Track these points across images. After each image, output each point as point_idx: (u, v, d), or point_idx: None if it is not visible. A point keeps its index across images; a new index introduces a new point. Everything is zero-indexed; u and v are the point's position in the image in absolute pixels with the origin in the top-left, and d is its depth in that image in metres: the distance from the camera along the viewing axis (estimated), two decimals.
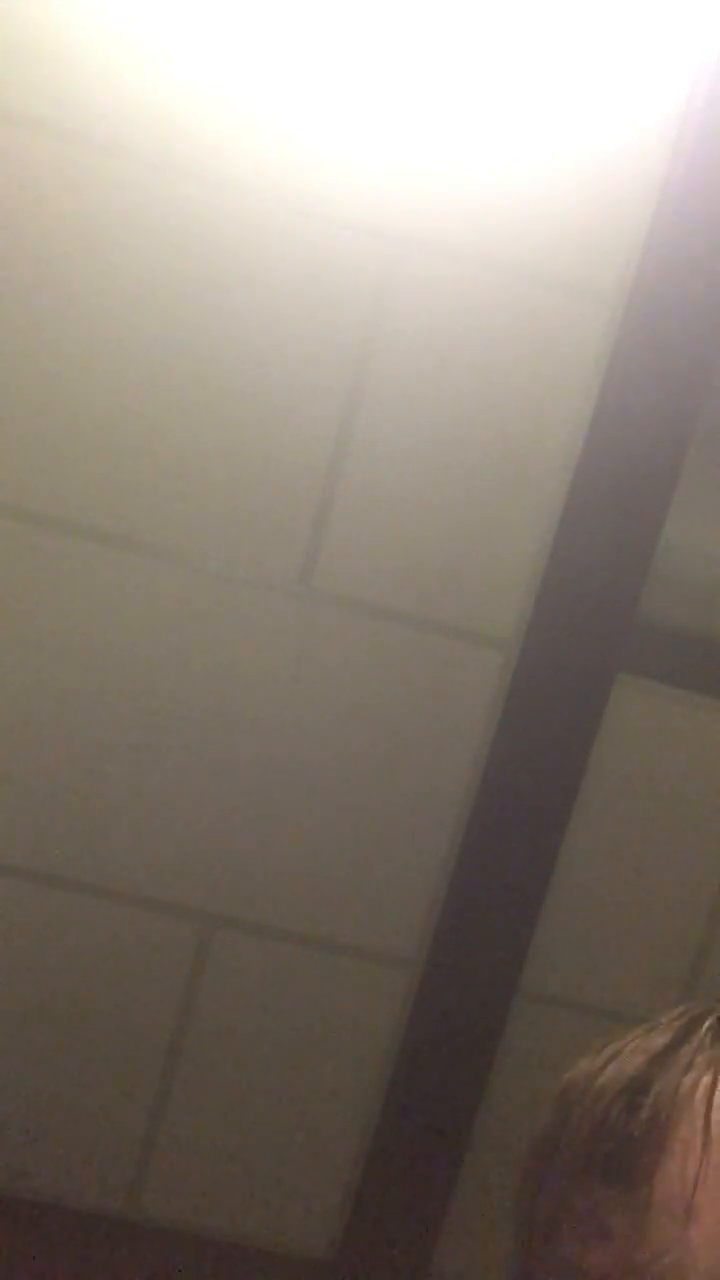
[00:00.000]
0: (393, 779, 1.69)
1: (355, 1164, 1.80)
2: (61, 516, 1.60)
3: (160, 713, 1.65)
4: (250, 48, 1.50)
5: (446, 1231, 1.81)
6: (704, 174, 1.53)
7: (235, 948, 1.72)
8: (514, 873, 1.71)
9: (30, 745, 1.65)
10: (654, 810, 1.74)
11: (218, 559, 1.62)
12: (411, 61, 1.51)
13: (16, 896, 1.68)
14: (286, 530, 1.61)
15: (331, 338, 1.57)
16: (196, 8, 1.49)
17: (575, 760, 1.69)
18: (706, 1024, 0.91)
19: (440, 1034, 1.76)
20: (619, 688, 1.68)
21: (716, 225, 1.55)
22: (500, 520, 1.63)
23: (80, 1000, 1.72)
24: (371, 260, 1.55)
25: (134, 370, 1.56)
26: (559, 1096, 0.93)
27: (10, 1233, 1.75)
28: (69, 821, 1.67)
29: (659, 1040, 0.91)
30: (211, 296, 1.55)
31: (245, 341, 1.56)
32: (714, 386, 1.62)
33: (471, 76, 1.52)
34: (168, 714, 1.65)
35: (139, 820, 1.68)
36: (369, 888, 1.72)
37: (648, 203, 1.55)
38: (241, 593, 1.63)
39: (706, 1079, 0.88)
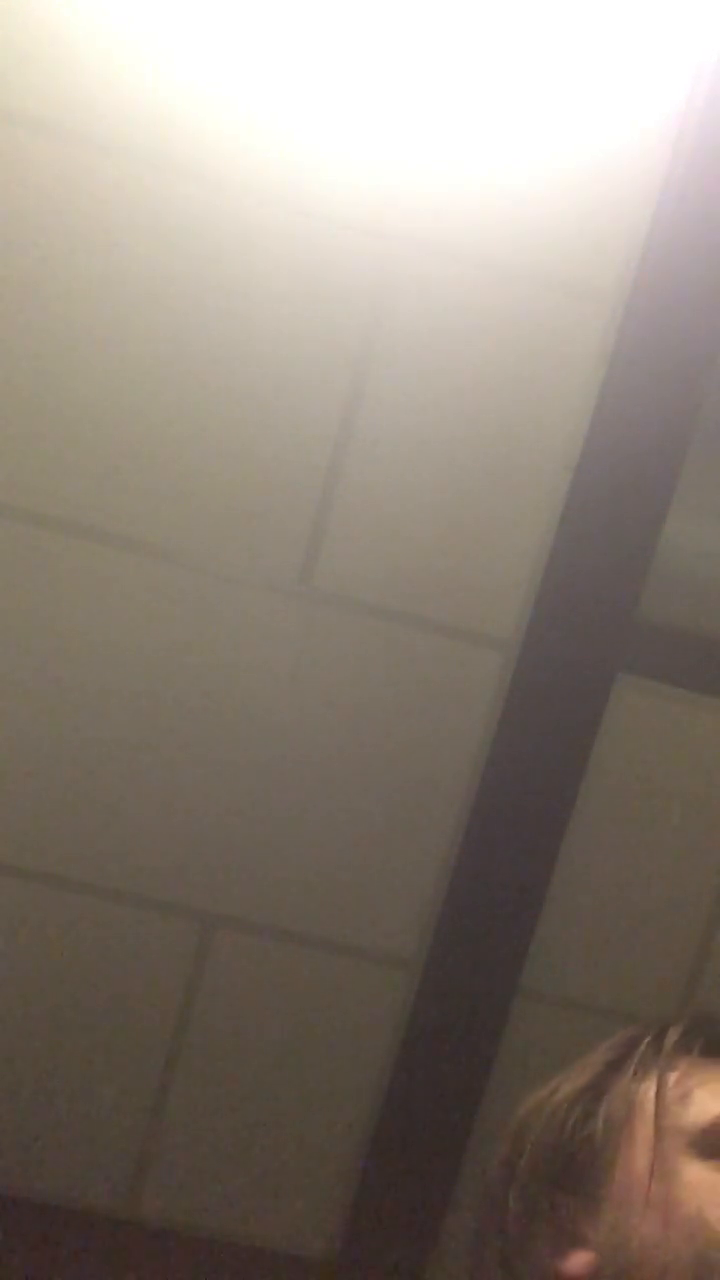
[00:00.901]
0: (393, 779, 1.69)
1: (355, 1164, 1.80)
2: (61, 516, 1.60)
3: (160, 713, 1.65)
4: (250, 48, 1.50)
5: (446, 1232, 1.81)
6: (704, 174, 1.53)
7: (235, 948, 1.72)
8: (514, 873, 1.71)
9: (30, 745, 1.65)
10: (654, 810, 1.74)
11: (218, 559, 1.62)
12: (411, 62, 1.51)
13: (16, 896, 1.68)
14: (286, 530, 1.61)
15: (331, 338, 1.57)
16: (196, 8, 1.49)
17: (575, 760, 1.69)
18: (644, 1041, 0.98)
19: (440, 1034, 1.76)
20: (619, 688, 1.68)
21: (716, 225, 1.55)
22: (500, 520, 1.63)
23: (80, 1000, 1.72)
24: (371, 260, 1.55)
25: (134, 370, 1.56)
26: (516, 1125, 0.99)
27: (10, 1233, 1.75)
28: (69, 821, 1.67)
29: (603, 1058, 0.98)
30: (211, 296, 1.55)
31: (245, 341, 1.56)
32: (714, 386, 1.62)
33: (471, 77, 1.52)
34: (168, 714, 1.65)
35: (139, 820, 1.68)
36: (369, 888, 1.72)
37: (648, 203, 1.55)
38: (241, 593, 1.63)
39: (650, 1084, 0.94)
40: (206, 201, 1.53)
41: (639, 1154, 0.91)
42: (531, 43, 1.51)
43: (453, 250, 1.55)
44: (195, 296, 1.55)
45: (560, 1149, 0.93)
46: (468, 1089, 1.76)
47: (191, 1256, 1.80)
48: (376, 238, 1.55)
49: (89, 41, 1.49)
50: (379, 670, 1.66)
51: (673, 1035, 0.97)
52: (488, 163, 1.54)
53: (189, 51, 1.50)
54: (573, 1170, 0.92)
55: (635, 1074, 0.95)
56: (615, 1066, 0.96)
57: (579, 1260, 0.89)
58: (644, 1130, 0.92)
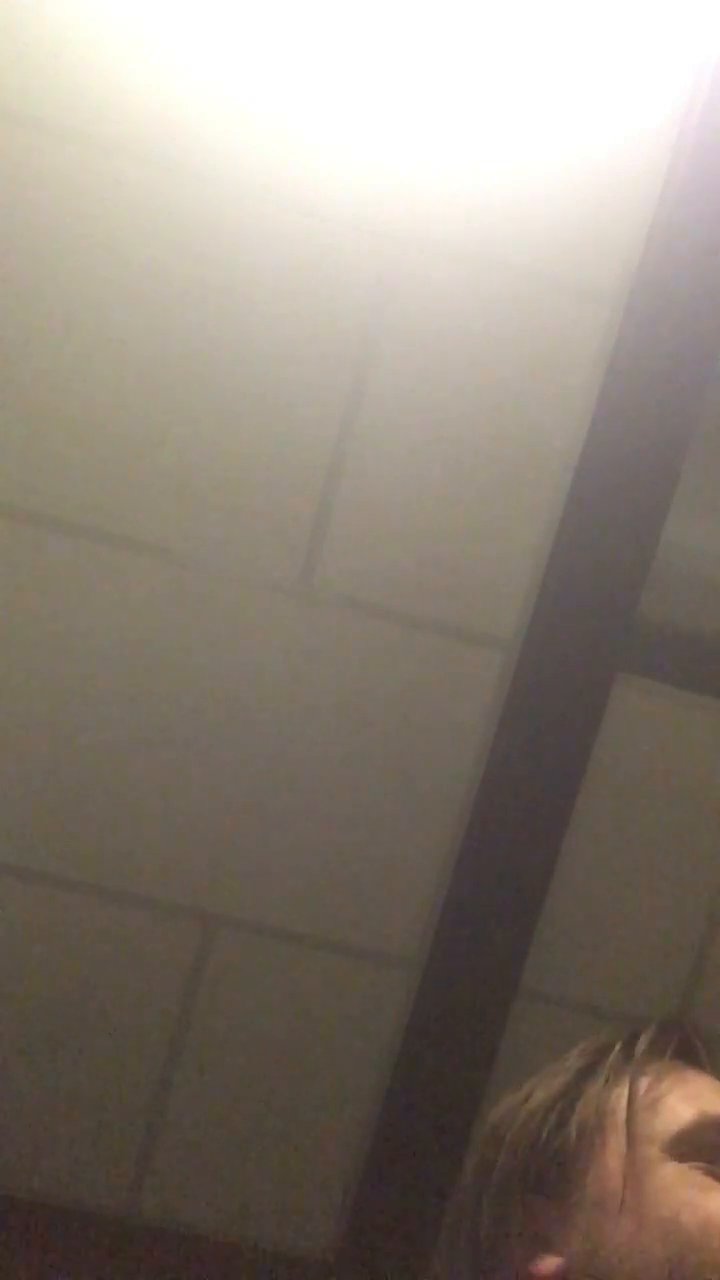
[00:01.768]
0: (393, 779, 1.69)
1: (355, 1164, 1.80)
2: (61, 516, 1.60)
3: (160, 713, 1.65)
4: (251, 48, 1.50)
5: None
6: (704, 174, 1.53)
7: (235, 948, 1.72)
8: (514, 873, 1.71)
9: (30, 745, 1.65)
10: (654, 810, 1.74)
11: (218, 559, 1.62)
12: (412, 62, 1.51)
13: (16, 896, 1.68)
14: (286, 530, 1.61)
15: (331, 338, 1.57)
16: (197, 8, 1.49)
17: (575, 760, 1.69)
18: (616, 1047, 0.99)
19: (440, 1034, 1.76)
20: (619, 688, 1.68)
21: (716, 225, 1.55)
22: (500, 520, 1.63)
23: (80, 1000, 1.72)
24: (371, 260, 1.55)
25: (134, 370, 1.56)
26: (489, 1129, 1.00)
27: (10, 1233, 1.74)
28: (69, 821, 1.67)
29: (576, 1064, 0.99)
30: (212, 296, 1.55)
31: (245, 341, 1.56)
32: (714, 386, 1.62)
33: (472, 77, 1.52)
34: (168, 714, 1.65)
35: (139, 820, 1.68)
36: (369, 888, 1.72)
37: (648, 203, 1.55)
38: (241, 593, 1.63)
39: (622, 1090, 0.95)
40: (207, 201, 1.53)
41: (612, 1160, 0.92)
42: (532, 43, 1.51)
43: (453, 250, 1.55)
44: (195, 296, 1.55)
45: (533, 1155, 0.95)
46: (468, 1089, 1.76)
47: (191, 1256, 1.80)
48: (377, 238, 1.55)
49: (89, 41, 1.49)
50: (379, 670, 1.66)
51: (644, 1041, 0.98)
52: (488, 163, 1.54)
53: (190, 51, 1.50)
54: (546, 1177, 0.94)
55: (607, 1080, 0.96)
56: (587, 1073, 0.98)
57: (550, 1264, 0.91)
58: (616, 1137, 0.93)
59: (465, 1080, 1.76)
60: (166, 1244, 1.79)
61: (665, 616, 1.70)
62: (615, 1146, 0.92)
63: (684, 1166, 0.91)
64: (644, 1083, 0.95)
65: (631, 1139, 0.92)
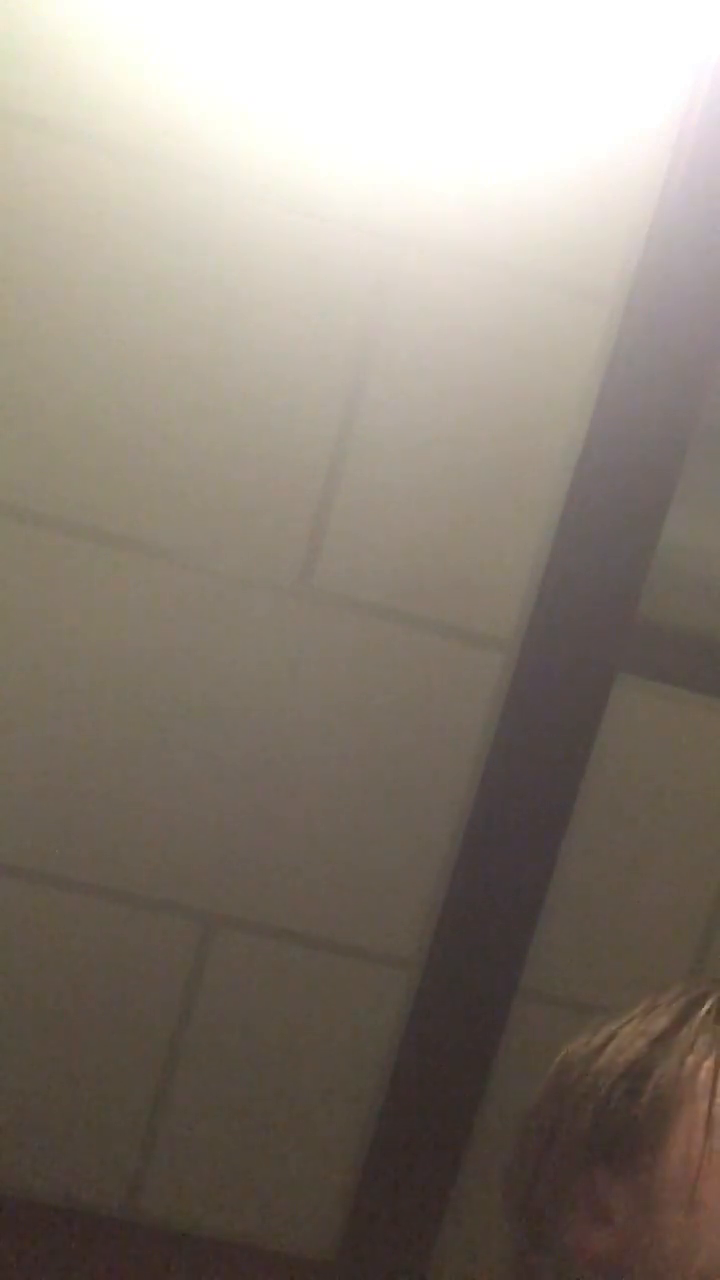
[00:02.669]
0: (393, 779, 1.69)
1: (355, 1164, 1.80)
2: (61, 516, 1.60)
3: (160, 712, 1.65)
4: (251, 48, 1.50)
5: (446, 1231, 1.81)
6: (704, 174, 1.53)
7: (235, 948, 1.72)
8: (514, 873, 1.71)
9: (30, 745, 1.65)
10: (654, 810, 1.74)
11: (218, 559, 1.62)
12: (412, 62, 1.51)
13: (16, 896, 1.68)
14: (286, 530, 1.61)
15: (331, 338, 1.57)
16: (197, 8, 1.49)
17: (575, 760, 1.69)
18: (707, 1005, 0.90)
19: (440, 1034, 1.76)
20: (619, 688, 1.68)
21: (716, 225, 1.55)
22: (500, 520, 1.63)
23: (80, 1000, 1.72)
24: (371, 260, 1.55)
25: (134, 370, 1.56)
26: (555, 1077, 0.92)
27: (10, 1233, 1.74)
28: (69, 821, 1.67)
29: (659, 1022, 0.90)
30: (212, 296, 1.55)
31: (245, 341, 1.56)
32: (714, 386, 1.62)
33: (472, 77, 1.52)
34: (168, 714, 1.65)
35: (139, 820, 1.68)
36: (369, 888, 1.72)
37: (648, 203, 1.55)
38: (241, 593, 1.63)
39: (709, 1063, 0.87)
40: (207, 201, 1.53)
41: (687, 1142, 0.84)
42: (532, 43, 1.51)
43: (453, 250, 1.55)
44: (195, 296, 1.55)
45: (602, 1122, 0.87)
46: (468, 1089, 1.76)
47: (191, 1256, 1.79)
48: (376, 238, 1.55)
49: (89, 41, 1.49)
50: (379, 670, 1.66)
51: None
52: (488, 163, 1.54)
53: (190, 51, 1.50)
54: (615, 1147, 0.86)
55: (692, 1047, 0.88)
56: (670, 1036, 0.89)
57: (607, 1241, 0.85)
58: (695, 1116, 0.85)
59: (465, 1080, 1.76)
60: (166, 1244, 1.79)
61: (665, 616, 1.70)
62: (695, 1129, 0.84)
63: None
64: None
65: (711, 1126, 0.84)
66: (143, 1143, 1.78)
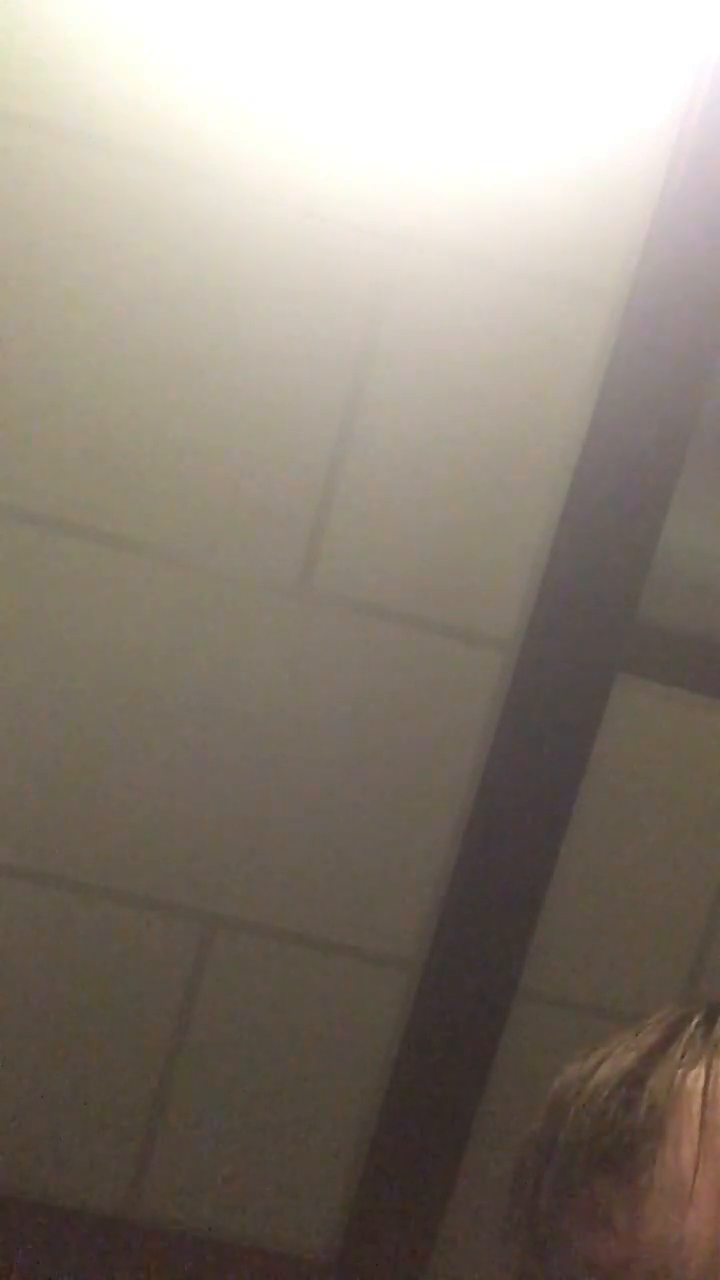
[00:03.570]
0: (392, 779, 1.69)
1: (355, 1164, 1.80)
2: (61, 516, 1.60)
3: (160, 713, 1.65)
4: (252, 48, 1.50)
5: (446, 1231, 1.81)
6: (704, 174, 1.53)
7: (235, 948, 1.72)
8: (514, 873, 1.71)
9: (30, 745, 1.65)
10: (654, 810, 1.74)
11: (218, 559, 1.62)
12: (413, 62, 1.51)
13: (16, 896, 1.68)
14: (286, 530, 1.61)
15: (331, 338, 1.57)
16: (197, 8, 1.49)
17: (575, 760, 1.69)
18: (694, 1021, 0.92)
19: (440, 1034, 1.76)
20: (619, 688, 1.68)
21: (716, 225, 1.55)
22: (500, 520, 1.63)
23: (80, 1000, 1.72)
24: (372, 260, 1.55)
25: (134, 370, 1.56)
26: (553, 1099, 0.94)
27: (10, 1233, 1.75)
28: (69, 821, 1.67)
29: (649, 1039, 0.93)
30: (212, 296, 1.55)
31: (246, 341, 1.56)
32: (714, 386, 1.62)
33: (472, 77, 1.52)
34: (168, 714, 1.65)
35: (139, 820, 1.68)
36: (369, 888, 1.72)
37: (648, 203, 1.55)
38: (241, 593, 1.63)
39: (698, 1071, 0.89)
40: (207, 201, 1.53)
41: (684, 1147, 0.86)
42: (532, 43, 1.51)
43: (453, 250, 1.55)
44: (196, 296, 1.55)
45: (600, 1132, 0.89)
46: (467, 1089, 1.76)
47: (191, 1256, 1.80)
48: (377, 238, 1.55)
49: (89, 41, 1.49)
50: (379, 670, 1.66)
51: None
52: (488, 162, 1.54)
53: (190, 51, 1.50)
54: (613, 1156, 0.88)
55: (683, 1058, 0.90)
56: (661, 1048, 0.92)
57: (612, 1249, 0.86)
58: (690, 1122, 0.87)
59: (465, 1080, 1.76)
60: (166, 1244, 1.79)
61: (665, 616, 1.70)
62: (689, 1132, 0.87)
63: None
64: None
65: (706, 1126, 0.87)
66: (143, 1143, 1.78)
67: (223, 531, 1.61)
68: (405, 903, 1.73)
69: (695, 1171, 0.85)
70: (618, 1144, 0.88)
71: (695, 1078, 0.89)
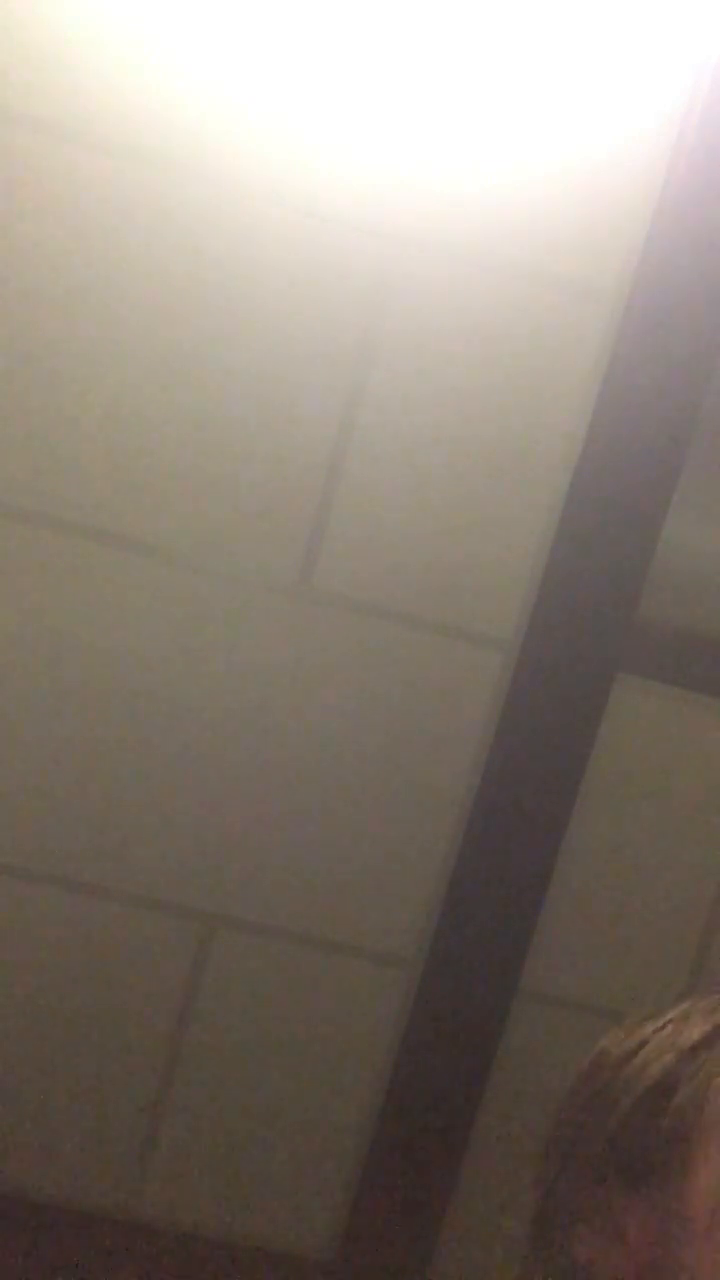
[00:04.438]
0: (392, 779, 1.69)
1: (355, 1164, 1.80)
2: (61, 516, 1.60)
3: (160, 713, 1.65)
4: (251, 48, 1.50)
5: (446, 1231, 1.81)
6: (704, 174, 1.53)
7: (235, 948, 1.72)
8: (514, 873, 1.71)
9: (30, 745, 1.65)
10: (654, 810, 1.74)
11: (218, 559, 1.62)
12: (412, 62, 1.51)
13: (16, 896, 1.68)
14: (286, 530, 1.61)
15: (331, 337, 1.57)
16: (197, 8, 1.49)
17: (575, 760, 1.69)
18: None
19: (440, 1034, 1.76)
20: (619, 688, 1.68)
21: (716, 225, 1.55)
22: (500, 520, 1.63)
23: (80, 1000, 1.72)
24: (371, 260, 1.55)
25: (134, 370, 1.56)
26: (586, 1075, 0.90)
27: (10, 1233, 1.74)
28: (69, 821, 1.67)
29: (691, 1034, 0.89)
30: (212, 296, 1.55)
31: (245, 341, 1.56)
32: (714, 386, 1.62)
33: (472, 77, 1.52)
34: (168, 714, 1.65)
35: (139, 820, 1.68)
36: (369, 888, 1.72)
37: (648, 203, 1.55)
38: (241, 593, 1.63)
39: None
40: (207, 201, 1.53)
41: (706, 1168, 0.82)
42: (532, 43, 1.51)
43: (453, 250, 1.55)
44: (195, 296, 1.55)
45: (622, 1139, 0.86)
46: (467, 1089, 1.76)
47: (191, 1256, 1.79)
48: (376, 237, 1.55)
49: (89, 41, 1.49)
50: (379, 670, 1.66)
51: None
52: (488, 162, 1.54)
53: (190, 51, 1.50)
54: (633, 1166, 0.85)
55: (715, 1071, 0.85)
56: (698, 1053, 0.87)
57: (618, 1263, 0.84)
58: (716, 1145, 0.83)
59: (465, 1080, 1.76)
60: (166, 1244, 1.79)
61: (665, 616, 1.70)
62: (714, 1155, 0.82)
63: None
64: None
65: None
66: (143, 1143, 1.78)
67: (223, 531, 1.61)
68: (405, 903, 1.73)
69: (717, 1198, 0.81)
70: (639, 1154, 0.84)
71: None
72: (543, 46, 1.51)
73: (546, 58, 1.52)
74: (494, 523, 1.63)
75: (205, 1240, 1.81)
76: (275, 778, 1.68)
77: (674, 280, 1.56)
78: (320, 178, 1.53)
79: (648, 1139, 0.85)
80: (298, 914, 1.72)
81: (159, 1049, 1.75)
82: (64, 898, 1.69)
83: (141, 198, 1.52)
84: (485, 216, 1.55)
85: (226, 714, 1.66)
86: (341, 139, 1.52)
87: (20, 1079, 1.74)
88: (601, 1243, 0.85)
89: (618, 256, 1.56)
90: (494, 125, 1.53)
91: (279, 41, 1.50)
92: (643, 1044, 0.89)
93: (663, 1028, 0.90)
